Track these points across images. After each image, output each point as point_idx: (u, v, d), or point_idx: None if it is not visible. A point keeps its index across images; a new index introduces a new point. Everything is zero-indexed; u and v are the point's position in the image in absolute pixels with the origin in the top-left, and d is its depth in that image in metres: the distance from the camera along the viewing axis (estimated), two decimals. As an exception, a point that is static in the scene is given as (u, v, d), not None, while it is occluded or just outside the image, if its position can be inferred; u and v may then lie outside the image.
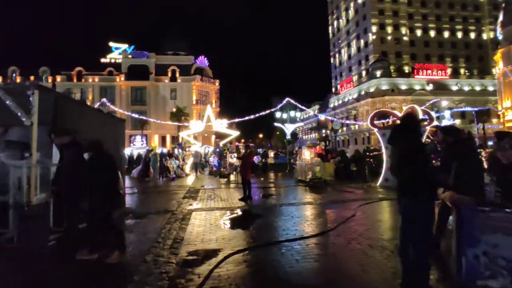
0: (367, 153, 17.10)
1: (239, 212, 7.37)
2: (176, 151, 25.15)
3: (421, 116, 10.12)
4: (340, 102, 65.10)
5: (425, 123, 10.51)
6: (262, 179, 16.33)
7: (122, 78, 48.87)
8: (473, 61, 62.97)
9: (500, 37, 31.39)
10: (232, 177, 16.83)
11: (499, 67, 30.07)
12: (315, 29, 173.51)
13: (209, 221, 6.35)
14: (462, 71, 61.82)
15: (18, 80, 43.99)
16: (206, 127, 25.98)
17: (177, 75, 50.52)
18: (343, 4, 71.68)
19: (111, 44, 52.17)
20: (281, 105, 22.74)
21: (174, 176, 16.85)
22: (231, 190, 12.06)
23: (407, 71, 58.94)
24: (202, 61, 52.96)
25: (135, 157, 23.96)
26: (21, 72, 46.50)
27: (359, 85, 60.11)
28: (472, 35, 63.74)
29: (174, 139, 44.23)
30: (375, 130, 11.21)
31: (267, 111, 22.12)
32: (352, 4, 67.88)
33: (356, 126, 57.84)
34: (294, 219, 6.49)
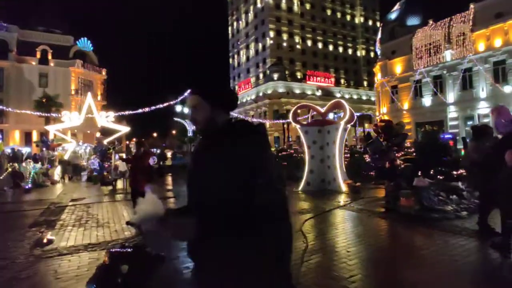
0: (278, 154, 16.00)
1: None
2: (44, 151, 19.33)
3: (347, 112, 9.21)
4: (239, 102, 65.20)
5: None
6: (159, 186, 13.21)
7: (-35, 54, 36.68)
8: (350, 74, 72.40)
9: (378, 52, 35.91)
10: (119, 184, 13.21)
11: (377, 78, 34.21)
12: (216, 29, 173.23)
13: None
14: (342, 81, 70.15)
15: None
16: (88, 120, 21.09)
17: (50, 57, 40.99)
18: (243, 7, 72.27)
19: None
20: (182, 97, 19.88)
21: (30, 186, 12.09)
22: (116, 204, 8.80)
23: (299, 76, 63.23)
24: (85, 43, 44.48)
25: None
26: None
27: (257, 87, 61.35)
28: (350, 51, 73.24)
29: (43, 136, 35.53)
30: (298, 126, 9.87)
31: (166, 104, 18.89)
32: (251, 8, 68.96)
33: (255, 127, 58.71)
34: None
